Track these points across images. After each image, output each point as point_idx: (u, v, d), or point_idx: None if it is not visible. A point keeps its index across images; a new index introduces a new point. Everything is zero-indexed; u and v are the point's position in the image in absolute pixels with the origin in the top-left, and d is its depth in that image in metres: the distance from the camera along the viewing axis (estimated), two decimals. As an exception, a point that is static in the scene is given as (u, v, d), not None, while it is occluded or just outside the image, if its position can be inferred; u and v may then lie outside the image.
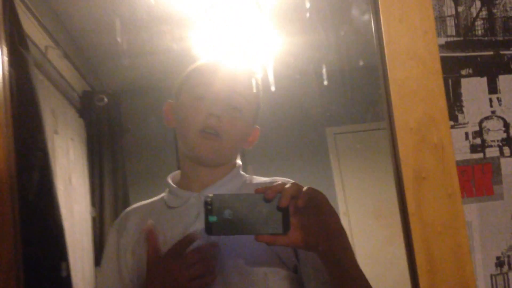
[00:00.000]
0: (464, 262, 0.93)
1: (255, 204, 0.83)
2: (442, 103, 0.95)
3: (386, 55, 0.95)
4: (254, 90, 1.12)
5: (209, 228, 0.83)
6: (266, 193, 0.83)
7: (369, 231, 2.96)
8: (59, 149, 2.14)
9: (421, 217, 0.93)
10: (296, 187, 0.84)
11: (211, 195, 0.84)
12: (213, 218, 0.83)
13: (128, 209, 1.17)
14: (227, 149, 1.09)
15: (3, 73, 0.98)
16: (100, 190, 2.48)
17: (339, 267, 0.86)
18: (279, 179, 1.06)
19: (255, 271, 0.99)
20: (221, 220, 0.83)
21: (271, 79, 1.06)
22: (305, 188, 0.84)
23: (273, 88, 1.06)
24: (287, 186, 0.84)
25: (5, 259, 0.91)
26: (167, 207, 1.10)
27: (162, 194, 1.15)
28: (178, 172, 1.17)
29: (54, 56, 2.15)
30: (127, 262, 1.06)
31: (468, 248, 0.94)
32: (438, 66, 0.96)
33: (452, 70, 1.04)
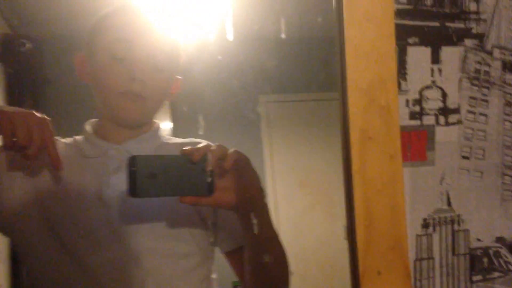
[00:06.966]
0: (399, 220, 0.98)
1: (181, 165, 0.82)
2: (393, 66, 0.98)
3: (344, 15, 0.96)
4: (177, 44, 1.06)
5: (134, 190, 0.81)
6: (193, 155, 0.83)
7: (293, 198, 3.06)
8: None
9: (363, 175, 0.96)
10: (222, 149, 0.85)
11: (135, 155, 0.81)
12: (137, 180, 0.80)
13: None
14: (151, 108, 1.05)
15: None
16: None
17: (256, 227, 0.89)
18: (196, 141, 1.03)
19: (176, 229, 0.99)
20: (146, 182, 0.80)
21: (228, 29, 1.03)
22: (230, 151, 0.85)
23: (231, 38, 1.04)
24: (213, 148, 0.84)
25: None
26: (82, 156, 1.04)
27: (77, 138, 1.07)
28: (96, 120, 1.09)
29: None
30: None
31: (404, 207, 0.99)
32: (392, 30, 0.98)
33: (399, 38, 1.07)
